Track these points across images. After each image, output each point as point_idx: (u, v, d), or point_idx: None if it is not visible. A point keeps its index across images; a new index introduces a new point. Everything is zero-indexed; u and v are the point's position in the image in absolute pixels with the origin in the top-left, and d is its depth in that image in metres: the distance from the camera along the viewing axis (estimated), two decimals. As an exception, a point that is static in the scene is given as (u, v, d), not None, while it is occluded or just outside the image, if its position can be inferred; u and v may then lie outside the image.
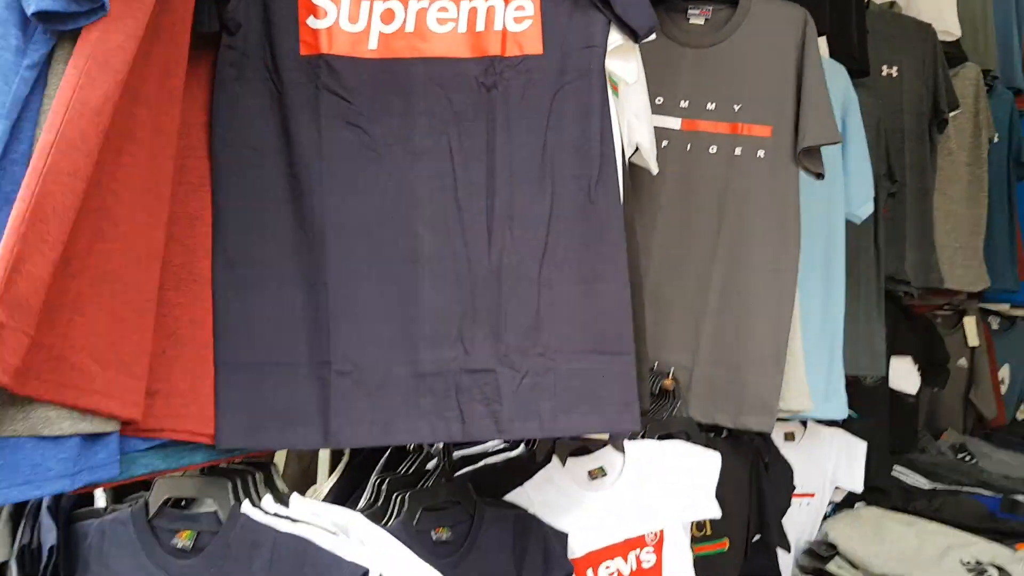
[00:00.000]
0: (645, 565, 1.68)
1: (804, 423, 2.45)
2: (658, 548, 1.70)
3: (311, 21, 1.29)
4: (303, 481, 1.69)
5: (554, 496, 1.60)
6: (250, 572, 1.12)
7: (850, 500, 2.64)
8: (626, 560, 1.65)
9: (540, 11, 1.32)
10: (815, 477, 2.46)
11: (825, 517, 2.57)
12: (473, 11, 1.32)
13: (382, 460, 1.60)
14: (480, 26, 1.32)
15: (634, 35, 1.32)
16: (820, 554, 2.38)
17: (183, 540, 1.19)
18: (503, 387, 1.26)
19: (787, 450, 2.36)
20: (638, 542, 1.68)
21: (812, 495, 2.47)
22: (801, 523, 2.46)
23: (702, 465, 1.77)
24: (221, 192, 1.25)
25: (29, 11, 0.96)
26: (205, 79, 1.28)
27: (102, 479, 1.04)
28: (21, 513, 1.24)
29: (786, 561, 2.43)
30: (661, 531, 1.71)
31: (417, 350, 1.26)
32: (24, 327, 0.92)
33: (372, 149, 1.29)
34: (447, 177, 1.29)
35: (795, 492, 2.40)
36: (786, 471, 2.25)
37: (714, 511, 1.76)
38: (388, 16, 1.31)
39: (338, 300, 1.26)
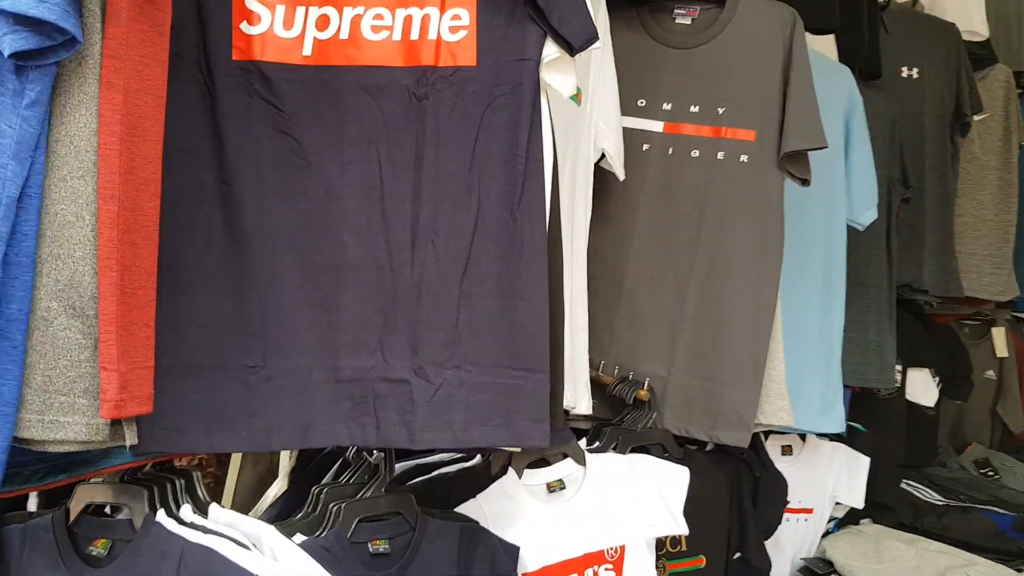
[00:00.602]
0: (603, 582, 1.64)
1: (803, 436, 2.38)
2: (618, 565, 1.66)
3: (245, 27, 1.28)
4: (258, 488, 1.69)
5: (508, 508, 1.57)
6: (155, 582, 1.12)
7: (855, 516, 2.57)
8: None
9: (476, 21, 1.29)
10: (813, 492, 2.39)
11: (827, 533, 2.49)
12: (408, 19, 1.29)
13: (332, 469, 1.59)
14: (415, 35, 1.29)
15: (570, 48, 1.28)
16: (816, 571, 2.31)
17: (98, 548, 1.20)
18: (417, 397, 1.28)
19: (784, 464, 2.30)
20: (596, 558, 1.64)
21: (810, 511, 2.40)
22: (799, 539, 2.40)
23: (669, 480, 1.72)
24: (151, 197, 1.24)
25: (5, 53, 0.98)
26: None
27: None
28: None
29: (781, 576, 2.37)
30: (622, 547, 1.67)
31: (338, 356, 1.28)
32: (142, 364, 1.09)
33: (302, 157, 1.28)
34: (375, 187, 1.28)
35: (792, 507, 2.34)
36: (778, 485, 2.18)
37: (680, 528, 1.71)
38: (323, 22, 1.29)
39: (264, 305, 1.26)
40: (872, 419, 2.67)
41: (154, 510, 1.20)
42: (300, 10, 1.29)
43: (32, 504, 1.32)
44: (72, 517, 1.22)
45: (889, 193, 2.54)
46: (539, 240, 1.30)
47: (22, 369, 1.03)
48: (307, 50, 1.29)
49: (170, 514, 1.20)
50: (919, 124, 2.77)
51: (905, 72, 2.80)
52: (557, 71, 1.31)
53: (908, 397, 2.89)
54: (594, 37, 1.29)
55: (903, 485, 2.71)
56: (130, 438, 1.12)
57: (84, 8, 1.05)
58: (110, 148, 1.05)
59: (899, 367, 2.77)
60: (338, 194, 1.28)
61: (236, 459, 1.73)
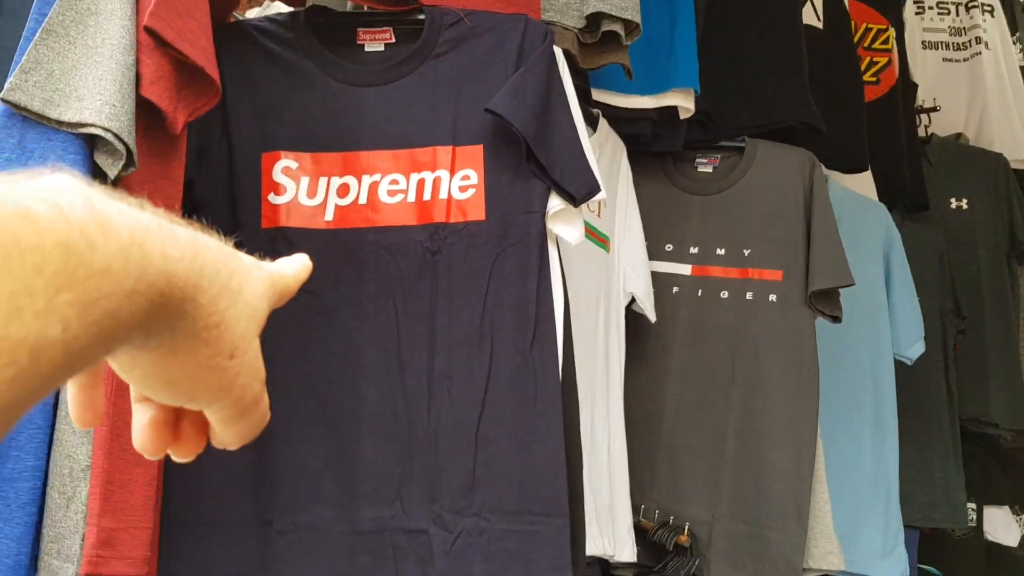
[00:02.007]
0: None
1: (867, 583, 2.27)
2: None
3: (272, 197, 1.39)
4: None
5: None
6: None
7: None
8: None
9: (484, 180, 1.38)
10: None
11: None
12: (421, 182, 1.39)
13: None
14: (427, 195, 1.39)
15: (572, 200, 1.35)
16: None
17: None
18: (435, 548, 1.28)
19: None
20: None
21: (883, 662, 2.25)
22: None
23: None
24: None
25: None
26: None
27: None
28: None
29: None
30: None
31: (358, 508, 1.30)
32: (135, 523, 1.07)
33: (323, 313, 1.36)
34: (391, 339, 1.34)
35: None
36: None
37: None
38: (343, 190, 1.40)
39: (283, 459, 1.31)
40: (947, 562, 2.53)
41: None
42: (323, 180, 1.40)
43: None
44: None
45: (943, 326, 2.50)
46: (552, 383, 1.33)
47: (21, 528, 1.05)
48: (329, 215, 1.39)
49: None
50: (972, 255, 2.74)
51: (954, 203, 2.80)
52: (563, 221, 1.38)
53: (988, 537, 2.73)
54: (595, 189, 1.36)
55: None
56: None
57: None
58: None
59: (973, 505, 2.64)
60: (357, 347, 1.34)
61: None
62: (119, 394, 1.07)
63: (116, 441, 1.07)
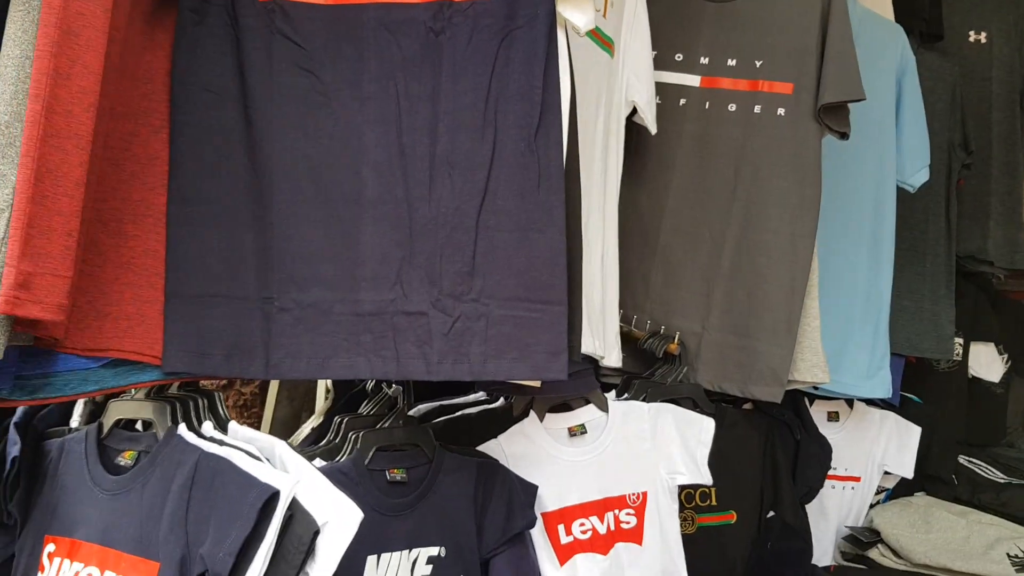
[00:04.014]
0: (624, 526, 1.66)
1: (850, 404, 2.34)
2: (640, 510, 1.67)
3: (270, -32, 1.33)
4: (294, 423, 1.76)
5: (528, 449, 1.60)
6: (169, 487, 1.18)
7: (908, 490, 2.50)
8: (602, 519, 1.63)
9: (491, -45, 1.31)
10: (860, 460, 2.34)
11: (875, 504, 2.44)
12: (425, -42, 1.33)
13: (363, 405, 1.64)
14: (431, -29, 1.32)
15: (582, -25, 1.30)
16: (861, 539, 2.26)
17: (126, 459, 1.27)
18: (435, 330, 1.29)
19: (830, 431, 2.27)
20: (617, 502, 1.66)
21: (857, 479, 2.35)
22: (845, 508, 2.35)
23: (694, 430, 1.73)
24: (178, 132, 1.31)
25: None
26: (171, 27, 1.34)
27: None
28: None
29: (826, 546, 2.33)
30: (644, 493, 1.68)
31: (358, 290, 1.30)
32: (54, 271, 1.06)
33: (322, 94, 1.32)
34: (392, 122, 1.31)
35: (838, 475, 2.32)
36: (821, 450, 2.16)
37: (704, 478, 1.72)
38: (345, -37, 1.34)
39: (284, 239, 1.30)
40: (929, 392, 2.60)
41: (176, 424, 1.27)
42: (323, -48, 1.34)
43: (75, 421, 1.41)
44: (105, 431, 1.31)
45: (949, 159, 2.48)
46: (556, 172, 1.31)
47: None
48: (329, -10, 1.34)
49: (191, 429, 1.27)
50: (986, 90, 2.68)
51: (972, 36, 2.71)
52: (573, 5, 1.32)
53: (972, 372, 2.80)
54: (609, -30, 1.30)
55: (962, 461, 2.63)
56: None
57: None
58: (42, 49, 1.05)
59: (960, 340, 2.69)
60: (358, 130, 1.31)
61: (272, 396, 1.80)
62: (44, 141, 1.06)
63: (38, 186, 1.05)
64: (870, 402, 2.35)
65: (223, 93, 1.32)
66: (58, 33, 1.07)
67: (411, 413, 1.63)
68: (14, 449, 1.29)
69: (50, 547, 1.23)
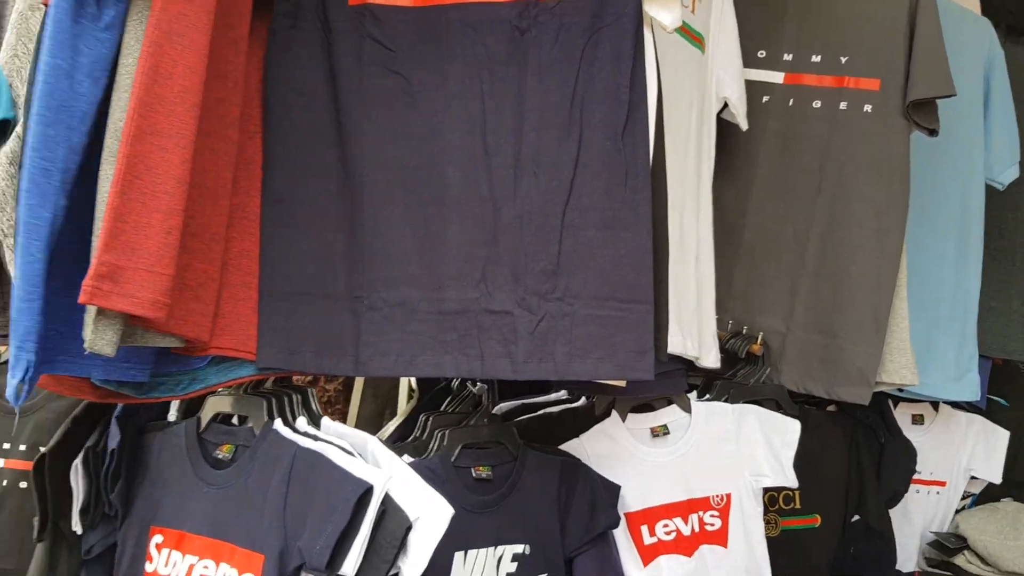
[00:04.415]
0: (709, 528, 1.64)
1: (936, 406, 2.28)
2: (724, 512, 1.66)
3: (360, -26, 1.36)
4: (378, 419, 1.78)
5: (611, 449, 1.60)
6: (269, 482, 1.21)
7: (995, 495, 2.43)
8: (686, 521, 1.62)
9: (578, -46, 1.32)
10: (946, 464, 2.28)
11: (961, 510, 2.38)
12: (511, -41, 1.33)
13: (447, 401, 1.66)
14: (516, -31, 1.33)
15: (668, -26, 1.29)
16: (947, 545, 2.20)
17: (223, 452, 1.31)
18: (520, 329, 1.29)
19: (915, 434, 2.21)
20: (702, 504, 1.65)
21: (943, 483, 2.29)
22: (930, 512, 2.30)
23: (779, 432, 1.70)
24: (271, 135, 1.35)
25: None
26: (264, 33, 1.38)
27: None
28: (80, 418, 1.40)
29: (910, 552, 2.28)
30: (728, 495, 1.67)
31: (443, 289, 1.32)
32: (149, 267, 1.07)
33: (409, 95, 1.34)
34: (477, 121, 1.32)
35: (923, 479, 2.26)
36: (906, 453, 2.10)
37: (789, 481, 1.69)
38: (432, -34, 1.35)
39: (373, 239, 1.33)
40: (1016, 395, 2.52)
41: (272, 419, 1.30)
42: (412, -46, 1.36)
43: (172, 415, 1.45)
44: (203, 425, 1.34)
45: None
46: (643, 171, 1.30)
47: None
48: (416, -8, 1.35)
49: (286, 424, 1.30)
50: (1081, 84, 2.58)
51: (1065, 27, 2.62)
52: (660, 4, 1.32)
53: (1061, 375, 2.70)
54: (696, -30, 1.30)
55: (1054, 466, 2.55)
56: (95, 343, 1.07)
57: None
58: (145, 49, 1.08)
59: (1050, 341, 2.60)
60: (443, 129, 1.32)
61: (357, 392, 1.83)
62: (141, 138, 1.07)
63: (134, 182, 1.06)
64: (956, 405, 2.29)
65: (314, 96, 1.35)
66: (160, 34, 1.09)
67: (494, 411, 1.64)
68: (114, 442, 1.33)
69: (157, 538, 1.27)
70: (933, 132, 1.80)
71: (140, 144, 1.07)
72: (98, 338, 1.06)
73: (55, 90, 1.07)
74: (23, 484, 1.60)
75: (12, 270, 1.15)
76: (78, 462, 1.34)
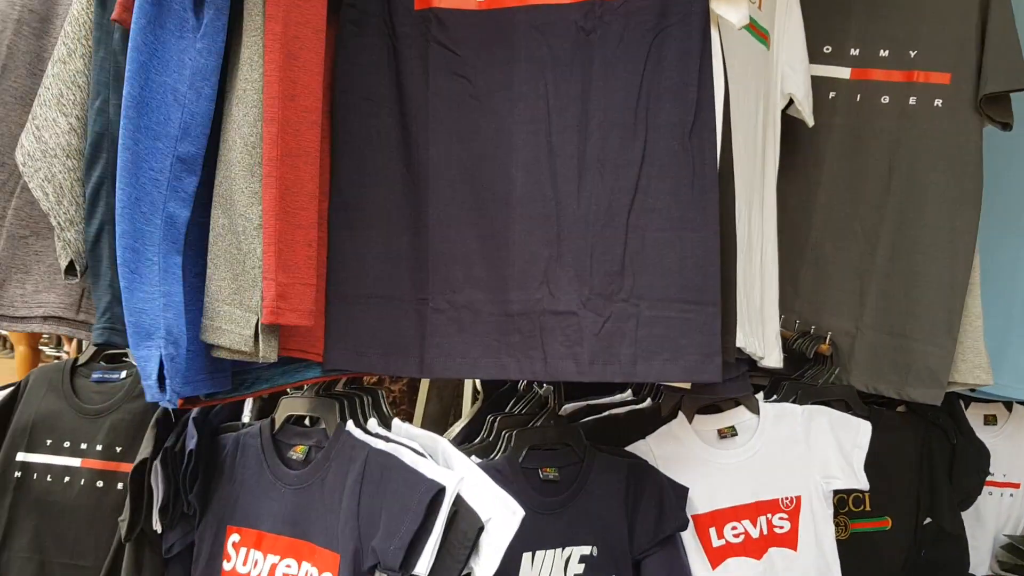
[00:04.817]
0: (778, 531, 1.62)
1: (1008, 407, 2.22)
2: (793, 515, 1.63)
3: (426, -22, 1.37)
4: (443, 420, 1.79)
5: (677, 451, 1.59)
6: (344, 482, 1.23)
7: (1072, 497, 2.36)
8: (755, 523, 1.61)
9: (642, -44, 1.31)
10: (1020, 466, 2.22)
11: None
12: (575, -43, 1.33)
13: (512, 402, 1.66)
14: (582, -30, 1.33)
15: (740, -25, 1.28)
16: (1022, 549, 2.14)
17: (297, 453, 1.33)
18: (585, 330, 1.29)
19: (987, 435, 2.16)
20: (770, 506, 1.63)
21: (1016, 485, 2.23)
22: (1003, 515, 2.23)
23: (849, 434, 1.67)
24: (339, 139, 1.36)
25: None
26: (331, 41, 1.39)
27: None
28: (162, 421, 1.43)
29: (983, 555, 2.23)
30: (797, 497, 1.64)
31: (507, 290, 1.32)
32: (302, 280, 1.16)
33: (475, 97, 1.34)
34: (542, 122, 1.32)
35: (996, 481, 2.20)
36: (978, 455, 2.05)
37: (860, 483, 1.66)
38: (497, -32, 1.36)
39: (438, 241, 1.34)
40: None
41: (344, 421, 1.31)
42: (477, -41, 1.36)
43: (246, 416, 1.48)
44: (277, 426, 1.37)
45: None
46: (710, 171, 1.29)
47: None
48: (481, -5, 1.36)
49: (358, 425, 1.32)
50: None
51: None
52: (727, 2, 1.30)
53: None
54: (762, -33, 1.28)
55: None
56: (267, 353, 1.16)
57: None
58: (271, 75, 1.12)
59: None
60: (508, 131, 1.32)
61: (423, 393, 1.85)
62: (283, 161, 1.12)
63: (282, 203, 1.12)
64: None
65: (381, 101, 1.37)
66: (282, 57, 1.14)
67: (560, 412, 1.64)
68: (191, 443, 1.36)
69: (234, 537, 1.29)
70: (1007, 126, 1.75)
71: (284, 165, 1.13)
72: (267, 348, 1.15)
73: (161, 104, 1.12)
74: (100, 483, 1.64)
75: (62, 263, 1.20)
76: (157, 463, 1.37)
